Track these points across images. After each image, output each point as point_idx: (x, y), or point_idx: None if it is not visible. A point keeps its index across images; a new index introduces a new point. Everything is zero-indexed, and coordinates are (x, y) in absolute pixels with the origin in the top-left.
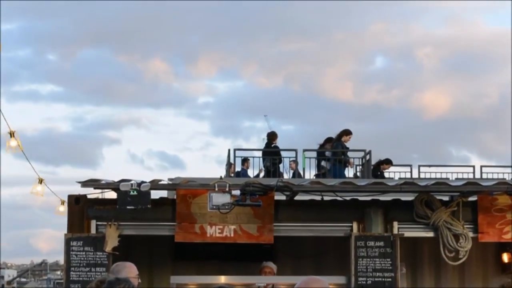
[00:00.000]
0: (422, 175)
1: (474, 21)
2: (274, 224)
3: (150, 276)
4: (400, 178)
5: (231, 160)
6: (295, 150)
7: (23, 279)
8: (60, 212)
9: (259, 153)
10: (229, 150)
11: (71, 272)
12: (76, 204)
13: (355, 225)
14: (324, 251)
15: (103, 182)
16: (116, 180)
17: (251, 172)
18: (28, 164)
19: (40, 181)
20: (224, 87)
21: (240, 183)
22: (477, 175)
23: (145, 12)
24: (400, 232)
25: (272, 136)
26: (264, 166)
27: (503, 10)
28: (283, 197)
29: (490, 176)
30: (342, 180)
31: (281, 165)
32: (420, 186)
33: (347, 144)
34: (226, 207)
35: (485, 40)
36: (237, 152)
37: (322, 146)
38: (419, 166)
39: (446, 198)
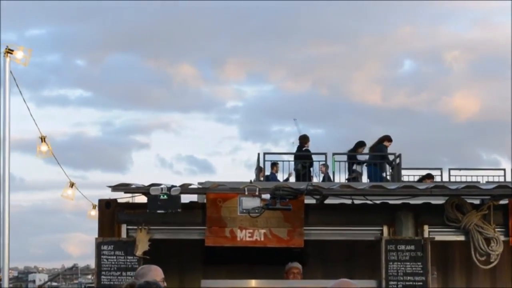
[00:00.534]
0: (452, 179)
1: (502, 24)
2: (304, 228)
3: (180, 280)
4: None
5: (261, 164)
6: (325, 154)
7: (54, 283)
8: (92, 216)
9: (288, 157)
10: (258, 154)
11: (102, 276)
12: (107, 208)
13: (385, 229)
14: (355, 255)
15: (133, 186)
16: (146, 184)
17: (280, 176)
18: (59, 169)
19: (71, 185)
20: (252, 91)
21: (269, 187)
22: (508, 178)
23: (172, 17)
24: (430, 236)
25: (304, 140)
26: (295, 170)
27: None
28: (313, 201)
29: None
30: (372, 184)
31: (311, 169)
32: (451, 190)
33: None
34: (256, 211)
35: None
36: (266, 156)
37: (353, 150)
38: (450, 169)
39: (477, 202)
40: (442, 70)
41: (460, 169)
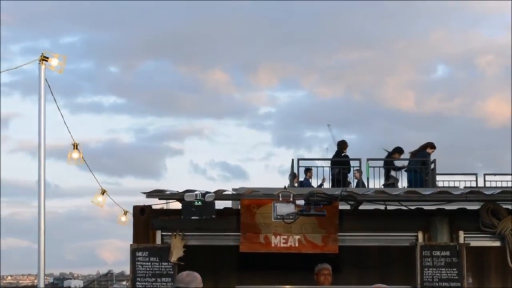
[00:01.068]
0: (487, 184)
1: None
2: (339, 234)
3: (215, 286)
4: (465, 187)
5: (295, 170)
6: (359, 160)
7: None
8: (122, 222)
9: (321, 163)
10: (292, 160)
11: (137, 282)
12: (141, 214)
13: (420, 235)
14: (389, 261)
15: (167, 192)
16: (180, 190)
17: (314, 182)
18: (92, 176)
19: (103, 192)
20: (285, 97)
21: (304, 193)
22: None
23: (204, 23)
24: (466, 242)
25: (342, 145)
26: (332, 175)
27: None
28: (348, 207)
29: None
30: (407, 189)
31: (348, 175)
32: (486, 195)
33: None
34: (291, 217)
35: None
36: (300, 162)
37: (389, 155)
38: (484, 174)
39: None
40: (475, 75)
41: (495, 174)
